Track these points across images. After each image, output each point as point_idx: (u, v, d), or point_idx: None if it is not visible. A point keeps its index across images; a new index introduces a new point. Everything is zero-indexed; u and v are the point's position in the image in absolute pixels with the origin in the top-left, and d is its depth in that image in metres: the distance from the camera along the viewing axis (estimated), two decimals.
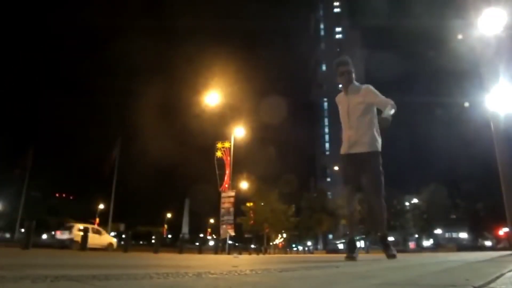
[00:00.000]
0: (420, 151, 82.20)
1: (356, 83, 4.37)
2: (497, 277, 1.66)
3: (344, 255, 4.18)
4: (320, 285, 1.43)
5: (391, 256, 4.14)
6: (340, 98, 4.49)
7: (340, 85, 4.45)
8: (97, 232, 17.69)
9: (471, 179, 49.38)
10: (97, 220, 50.52)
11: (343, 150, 4.32)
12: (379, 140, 4.22)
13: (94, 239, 16.19)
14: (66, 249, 12.42)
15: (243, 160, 34.27)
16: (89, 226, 18.08)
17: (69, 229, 14.82)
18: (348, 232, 4.53)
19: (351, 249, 4.12)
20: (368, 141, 4.15)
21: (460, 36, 11.60)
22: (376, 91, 4.24)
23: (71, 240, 14.01)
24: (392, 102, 4.07)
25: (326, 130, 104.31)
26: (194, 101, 21.78)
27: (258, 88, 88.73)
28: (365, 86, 4.33)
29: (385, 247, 4.22)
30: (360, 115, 4.21)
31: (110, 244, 17.00)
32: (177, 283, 1.30)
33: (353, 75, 4.36)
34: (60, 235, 15.84)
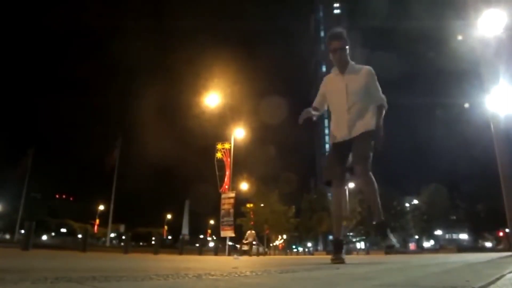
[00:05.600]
0: (420, 152, 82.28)
1: (353, 63, 3.77)
2: (497, 279, 1.66)
3: (346, 256, 3.74)
4: (320, 286, 1.43)
5: (389, 247, 3.60)
6: (332, 78, 3.85)
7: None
8: (257, 244, 25.65)
9: (471, 180, 49.44)
10: (97, 221, 50.48)
11: (340, 135, 3.70)
12: (374, 120, 3.69)
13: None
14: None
15: (243, 161, 34.33)
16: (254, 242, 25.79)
17: (246, 244, 22.94)
18: (334, 231, 3.84)
19: (337, 249, 3.66)
20: (365, 122, 3.66)
21: (460, 37, 11.62)
22: (376, 80, 3.77)
23: (247, 250, 21.30)
24: (385, 103, 3.72)
25: (326, 131, 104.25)
26: (194, 102, 21.81)
27: (258, 89, 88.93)
28: (367, 67, 3.80)
29: (383, 236, 3.55)
30: (360, 98, 3.68)
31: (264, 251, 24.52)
32: (177, 284, 1.29)
33: (347, 52, 3.71)
34: (243, 247, 23.07)
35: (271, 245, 48.50)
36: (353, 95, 3.69)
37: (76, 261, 3.90)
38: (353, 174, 3.64)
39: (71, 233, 53.54)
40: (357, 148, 3.61)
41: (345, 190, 3.83)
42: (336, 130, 3.79)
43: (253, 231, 26.03)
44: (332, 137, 3.86)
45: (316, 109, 3.97)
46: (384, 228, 3.57)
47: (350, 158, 3.71)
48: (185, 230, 61.65)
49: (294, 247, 63.49)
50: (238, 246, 24.66)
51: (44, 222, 49.35)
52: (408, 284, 1.51)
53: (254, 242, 22.82)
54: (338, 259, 3.56)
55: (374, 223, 3.62)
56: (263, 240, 42.73)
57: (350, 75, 3.74)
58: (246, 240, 23.95)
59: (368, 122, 3.67)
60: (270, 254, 32.33)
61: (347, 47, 3.72)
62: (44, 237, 49.29)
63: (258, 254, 21.14)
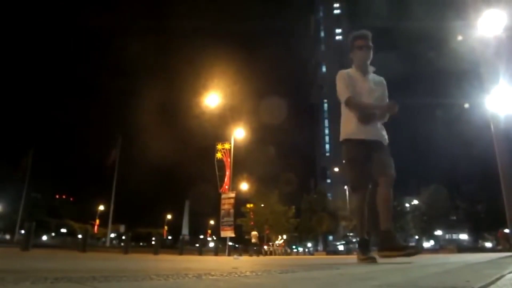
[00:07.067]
0: (420, 152, 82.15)
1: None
2: (497, 279, 1.66)
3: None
4: (320, 286, 1.43)
5: (411, 252, 3.35)
6: (353, 76, 3.80)
7: (354, 62, 3.84)
8: (278, 246, 30.93)
9: (471, 180, 49.41)
10: (97, 221, 50.42)
11: (368, 133, 3.62)
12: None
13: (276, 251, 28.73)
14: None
15: (243, 161, 34.32)
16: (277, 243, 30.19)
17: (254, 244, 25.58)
18: (360, 230, 3.82)
19: (365, 249, 3.60)
20: (385, 132, 3.76)
21: (460, 37, 11.63)
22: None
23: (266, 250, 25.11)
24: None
25: (326, 131, 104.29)
26: (195, 102, 21.82)
27: (259, 89, 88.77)
28: (381, 77, 3.94)
29: (396, 243, 3.42)
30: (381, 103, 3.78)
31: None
32: (178, 285, 1.30)
33: (371, 54, 3.78)
34: (268, 247, 27.61)
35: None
36: (377, 100, 3.75)
37: (76, 261, 3.90)
38: (377, 185, 3.59)
39: (71, 233, 53.48)
40: (385, 158, 3.62)
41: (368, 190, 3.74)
42: (361, 127, 3.64)
43: (255, 232, 26.82)
44: (352, 134, 3.68)
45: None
46: (390, 238, 3.42)
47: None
48: (185, 231, 61.60)
49: (294, 247, 63.45)
50: (265, 247, 26.56)
51: (44, 223, 49.27)
52: (408, 284, 1.50)
53: (276, 243, 24.43)
54: (369, 259, 3.49)
55: (383, 230, 3.47)
56: (264, 240, 42.76)
57: (371, 79, 3.80)
58: (253, 240, 24.90)
59: (386, 135, 3.78)
60: (271, 254, 32.34)
61: (372, 46, 3.79)
62: (44, 238, 49.25)
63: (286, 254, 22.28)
